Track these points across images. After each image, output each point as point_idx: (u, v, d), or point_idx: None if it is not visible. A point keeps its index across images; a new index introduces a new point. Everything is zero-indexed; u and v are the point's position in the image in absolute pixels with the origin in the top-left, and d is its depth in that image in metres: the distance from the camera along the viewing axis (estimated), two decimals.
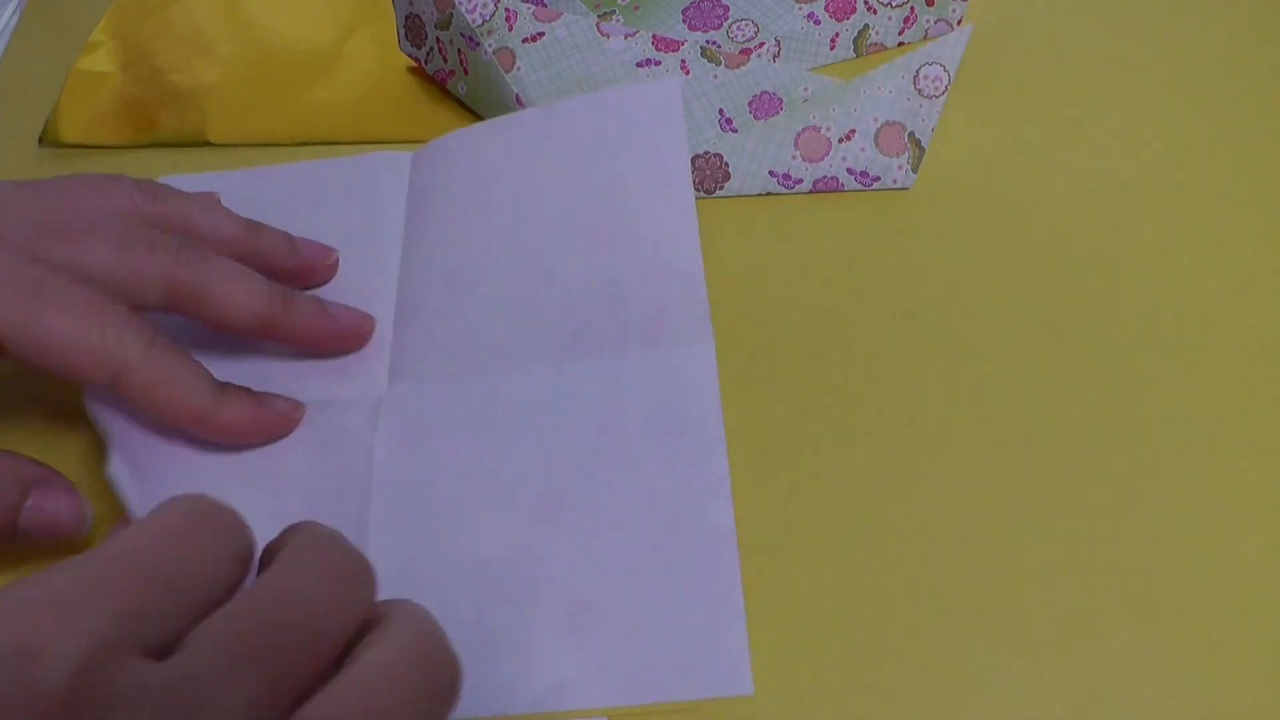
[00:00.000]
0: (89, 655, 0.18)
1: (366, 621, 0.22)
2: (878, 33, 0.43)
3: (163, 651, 0.19)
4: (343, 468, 0.32)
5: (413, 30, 0.42)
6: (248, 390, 0.32)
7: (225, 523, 0.22)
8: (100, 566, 0.19)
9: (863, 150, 0.38)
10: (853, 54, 0.43)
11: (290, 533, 0.23)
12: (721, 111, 0.39)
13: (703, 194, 0.38)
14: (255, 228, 0.34)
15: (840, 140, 0.38)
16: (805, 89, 0.39)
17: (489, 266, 0.35)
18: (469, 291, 0.35)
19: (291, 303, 0.32)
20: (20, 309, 0.27)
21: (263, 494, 0.31)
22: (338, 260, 0.36)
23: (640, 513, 0.30)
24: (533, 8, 0.42)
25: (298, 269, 0.35)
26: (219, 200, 0.35)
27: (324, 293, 0.35)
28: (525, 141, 0.37)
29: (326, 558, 0.22)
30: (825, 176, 0.38)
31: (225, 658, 0.19)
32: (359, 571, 0.22)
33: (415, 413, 0.32)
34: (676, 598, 0.28)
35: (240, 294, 0.31)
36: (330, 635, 0.21)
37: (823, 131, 0.38)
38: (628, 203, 0.35)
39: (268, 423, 0.31)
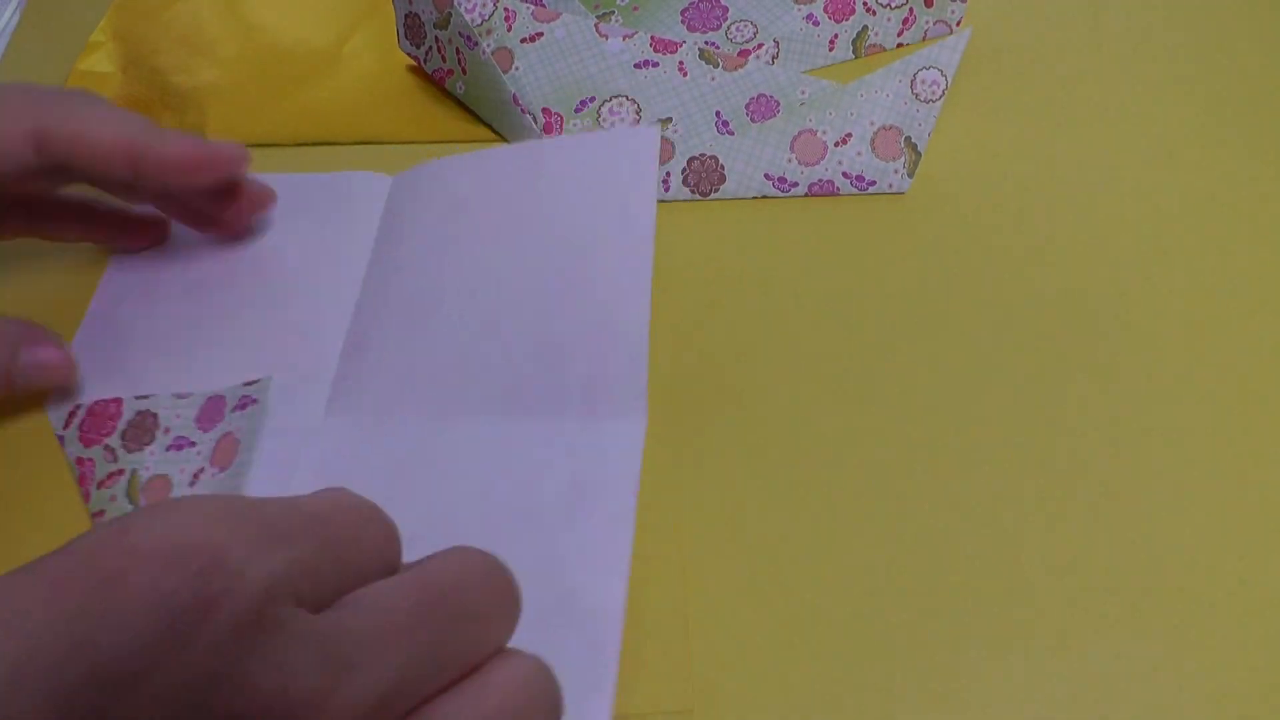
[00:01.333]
0: (268, 582, 0.18)
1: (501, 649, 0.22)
2: (876, 34, 0.43)
3: (317, 609, 0.20)
4: (258, 486, 0.32)
5: (412, 29, 0.42)
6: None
7: (385, 522, 0.23)
8: (283, 514, 0.20)
9: (859, 154, 0.38)
10: (851, 55, 0.43)
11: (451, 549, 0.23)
12: (718, 114, 0.39)
13: (698, 197, 0.38)
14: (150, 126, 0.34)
15: (836, 144, 0.38)
16: (802, 92, 0.39)
17: (443, 304, 0.34)
18: (419, 328, 0.34)
19: (163, 132, 0.32)
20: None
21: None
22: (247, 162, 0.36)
23: (536, 577, 0.29)
24: (532, 8, 0.42)
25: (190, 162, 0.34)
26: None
27: (280, 310, 0.36)
28: (501, 177, 0.36)
29: (492, 571, 0.22)
30: (821, 180, 0.38)
31: (384, 627, 0.19)
32: (516, 599, 0.22)
33: (342, 447, 0.32)
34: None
35: (108, 122, 0.31)
36: (482, 645, 0.21)
37: (819, 135, 0.38)
38: (587, 253, 0.34)
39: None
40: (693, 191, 0.38)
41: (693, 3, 0.43)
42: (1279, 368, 0.33)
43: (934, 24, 0.43)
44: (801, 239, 0.37)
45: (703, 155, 0.38)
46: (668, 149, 0.39)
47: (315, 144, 0.41)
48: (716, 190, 0.38)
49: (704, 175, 0.38)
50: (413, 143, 0.41)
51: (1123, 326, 0.35)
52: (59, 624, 0.17)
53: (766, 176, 0.38)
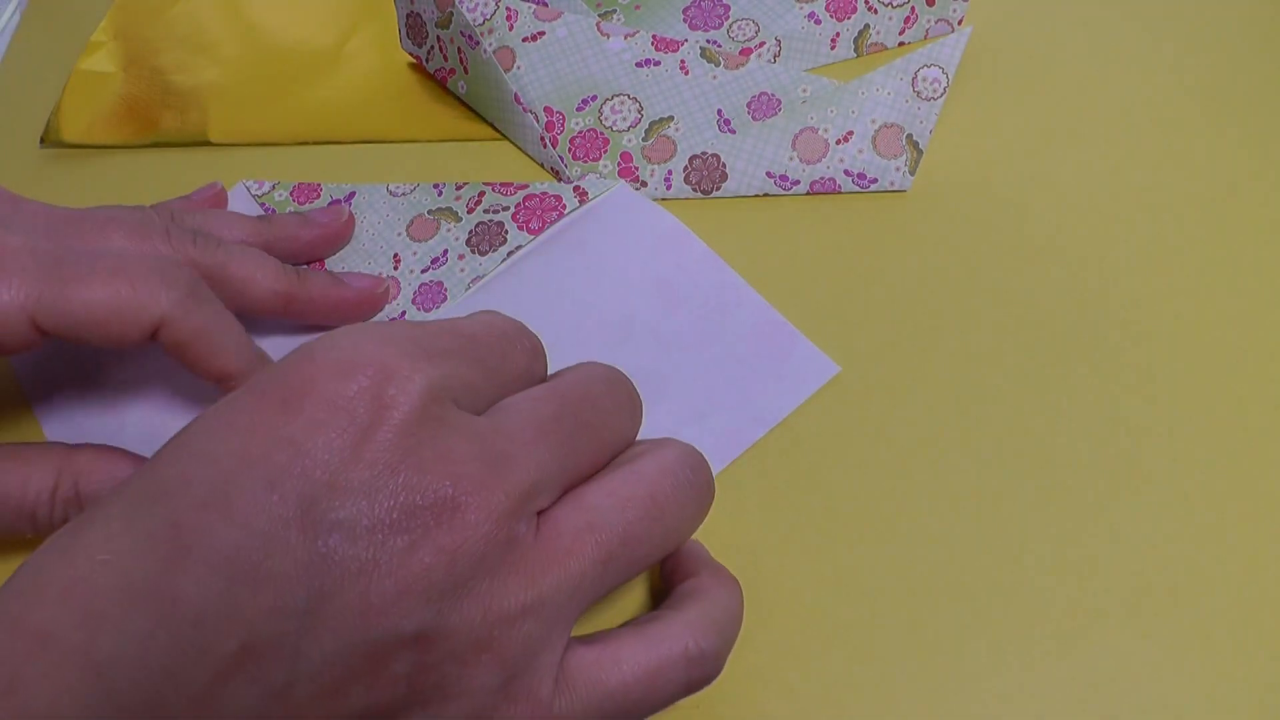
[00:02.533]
0: (431, 389, 0.22)
1: (633, 450, 0.26)
2: (878, 32, 0.43)
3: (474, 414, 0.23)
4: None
5: (414, 28, 0.42)
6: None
7: (530, 340, 0.26)
8: (440, 334, 0.24)
9: (860, 152, 0.38)
10: (853, 54, 0.43)
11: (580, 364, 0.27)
12: (720, 112, 0.39)
13: (700, 195, 0.38)
14: (266, 220, 0.35)
15: (838, 142, 0.38)
16: (804, 90, 0.39)
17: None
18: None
19: (306, 278, 0.34)
20: (48, 281, 0.27)
21: None
22: (353, 217, 0.37)
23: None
24: (534, 7, 0.42)
25: (318, 239, 0.36)
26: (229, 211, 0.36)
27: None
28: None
29: (614, 380, 0.26)
30: (822, 178, 0.38)
31: (530, 427, 0.23)
32: (636, 401, 0.26)
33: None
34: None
35: (258, 274, 0.32)
36: (612, 438, 0.25)
37: (820, 133, 0.38)
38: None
39: None
40: (694, 189, 0.38)
41: (694, 1, 0.43)
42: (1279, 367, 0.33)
43: (935, 22, 0.43)
44: (803, 237, 0.37)
45: (704, 153, 0.38)
46: (670, 147, 0.39)
47: (316, 143, 0.41)
48: (718, 188, 0.38)
49: (706, 173, 0.38)
50: (414, 142, 0.41)
51: (1124, 324, 0.34)
52: (266, 432, 0.21)
53: (768, 174, 0.38)
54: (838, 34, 0.42)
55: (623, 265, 0.35)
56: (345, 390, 0.21)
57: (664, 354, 0.33)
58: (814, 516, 0.31)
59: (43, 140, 0.41)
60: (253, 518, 0.20)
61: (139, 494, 0.21)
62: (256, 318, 0.33)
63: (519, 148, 0.41)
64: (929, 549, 0.30)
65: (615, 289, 0.35)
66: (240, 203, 0.38)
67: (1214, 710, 0.27)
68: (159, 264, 0.28)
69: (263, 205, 0.38)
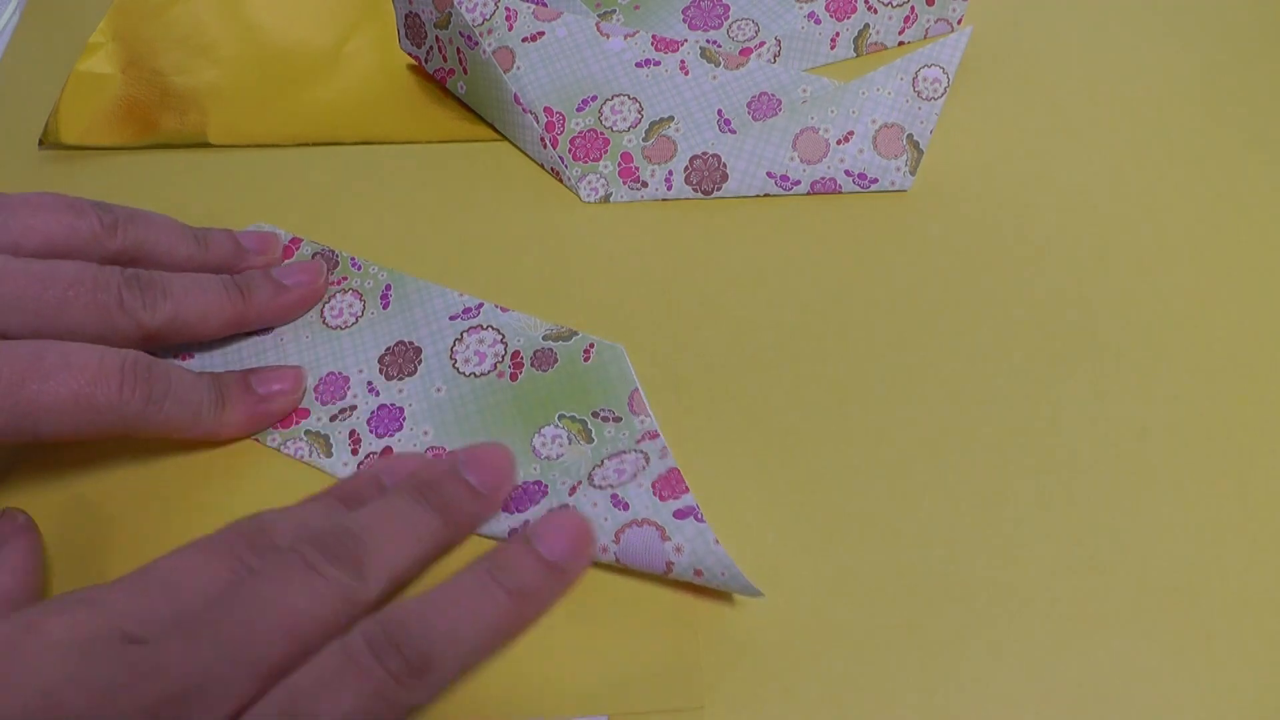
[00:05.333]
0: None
1: None
2: (878, 32, 0.43)
3: None
4: None
5: (412, 29, 0.42)
6: (244, 384, 0.33)
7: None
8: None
9: (861, 152, 0.38)
10: (853, 53, 0.43)
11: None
12: (720, 112, 0.39)
13: (700, 195, 0.38)
14: (202, 239, 0.35)
15: (838, 142, 0.38)
16: (804, 90, 0.39)
17: None
18: None
19: (250, 294, 0.34)
20: (10, 396, 0.28)
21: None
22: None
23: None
24: (533, 7, 0.42)
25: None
26: (167, 218, 0.35)
27: None
28: None
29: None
30: (823, 178, 0.38)
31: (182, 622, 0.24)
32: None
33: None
34: None
35: (206, 311, 0.33)
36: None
37: (821, 133, 0.38)
38: None
39: (269, 417, 0.33)
40: (695, 190, 0.38)
41: (694, 1, 0.43)
42: (1279, 368, 0.33)
43: (935, 22, 0.43)
44: (804, 237, 0.37)
45: (705, 154, 0.38)
46: (670, 147, 0.39)
47: (316, 144, 0.41)
48: (719, 189, 0.38)
49: (706, 174, 0.38)
50: (413, 143, 0.41)
51: (1124, 325, 0.34)
52: None
53: (769, 175, 0.38)
54: (837, 34, 0.42)
55: None
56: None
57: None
58: (814, 516, 0.31)
59: (41, 142, 0.41)
60: None
61: None
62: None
63: (519, 148, 0.41)
64: (929, 549, 0.30)
65: None
66: None
67: (1214, 711, 0.27)
68: (119, 374, 0.29)
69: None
